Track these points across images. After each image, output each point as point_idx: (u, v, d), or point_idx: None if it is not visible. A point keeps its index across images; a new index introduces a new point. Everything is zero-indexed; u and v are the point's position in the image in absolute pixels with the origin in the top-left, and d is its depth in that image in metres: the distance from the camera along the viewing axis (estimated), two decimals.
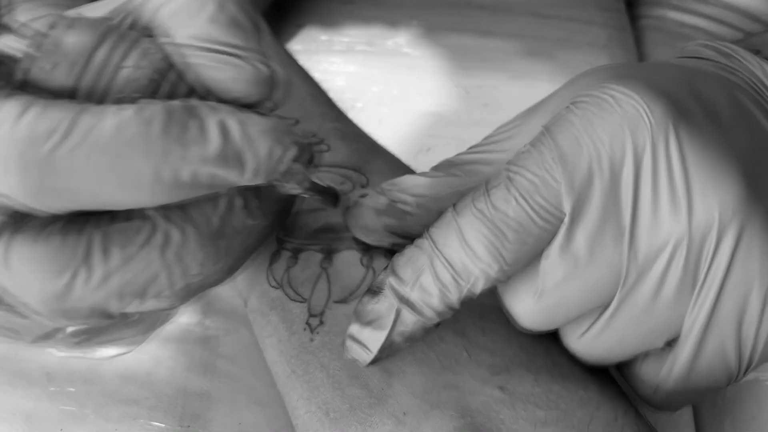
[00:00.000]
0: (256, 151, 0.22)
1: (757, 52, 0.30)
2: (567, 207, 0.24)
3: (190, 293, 0.25)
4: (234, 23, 0.23)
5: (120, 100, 0.22)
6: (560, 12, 0.53)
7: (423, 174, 0.29)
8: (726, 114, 0.25)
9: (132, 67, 0.22)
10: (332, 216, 0.32)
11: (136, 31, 0.23)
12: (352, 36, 0.54)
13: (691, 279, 0.24)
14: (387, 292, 0.26)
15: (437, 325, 0.27)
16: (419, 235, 0.28)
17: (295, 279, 0.31)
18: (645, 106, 0.24)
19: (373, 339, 0.26)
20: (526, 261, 0.25)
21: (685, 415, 0.34)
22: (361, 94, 0.49)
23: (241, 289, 0.34)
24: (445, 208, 0.27)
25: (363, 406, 0.27)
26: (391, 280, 0.26)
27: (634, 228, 0.24)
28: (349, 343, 0.27)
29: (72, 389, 0.33)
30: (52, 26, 0.22)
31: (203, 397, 0.34)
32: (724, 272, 0.23)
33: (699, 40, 0.31)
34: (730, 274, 0.23)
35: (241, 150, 0.22)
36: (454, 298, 0.25)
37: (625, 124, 0.23)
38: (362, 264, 0.31)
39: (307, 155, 0.24)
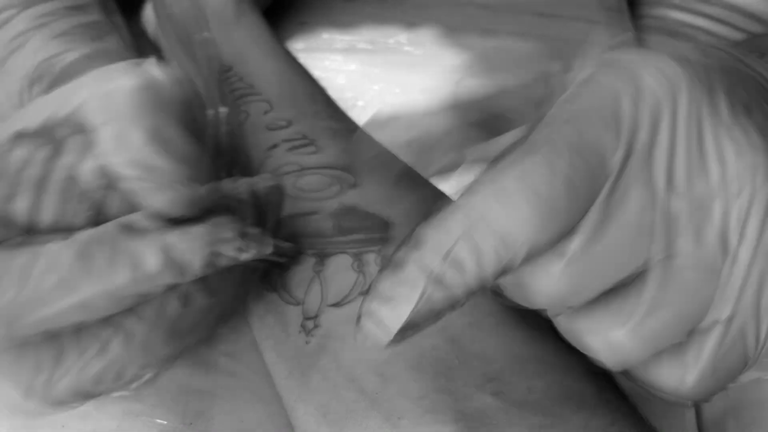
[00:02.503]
0: (193, 259, 0.24)
1: (762, 55, 0.30)
2: (616, 162, 0.21)
3: (168, 362, 0.27)
4: (165, 147, 0.24)
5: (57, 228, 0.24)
6: (564, 11, 0.53)
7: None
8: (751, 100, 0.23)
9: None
10: (323, 220, 0.32)
11: (79, 144, 0.25)
12: (353, 34, 0.54)
13: (722, 247, 0.21)
14: (411, 266, 0.22)
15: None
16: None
17: (289, 282, 0.31)
18: (682, 71, 0.22)
19: (394, 318, 0.22)
20: (570, 226, 0.21)
21: (688, 415, 0.34)
22: (362, 92, 0.49)
23: None
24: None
25: (359, 409, 0.27)
26: (416, 254, 0.22)
27: (669, 187, 0.22)
28: (364, 321, 0.23)
29: None
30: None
31: (205, 395, 0.34)
32: (755, 241, 0.21)
33: (700, 39, 0.31)
34: (761, 244, 0.21)
35: (180, 261, 0.24)
36: (490, 271, 0.21)
37: (665, 83, 0.22)
38: (354, 269, 0.31)
39: (255, 235, 0.26)
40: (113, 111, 0.24)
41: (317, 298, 0.31)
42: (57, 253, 0.23)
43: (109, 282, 0.23)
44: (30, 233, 0.24)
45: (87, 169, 0.25)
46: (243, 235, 0.25)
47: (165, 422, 0.33)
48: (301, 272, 0.31)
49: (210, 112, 0.32)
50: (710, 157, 0.21)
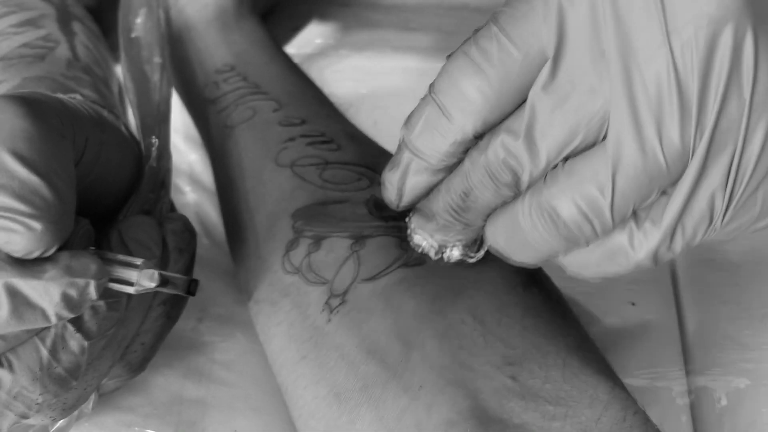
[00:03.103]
0: (50, 300, 0.23)
1: None
2: (550, 39, 0.22)
3: (63, 411, 0.26)
4: (3, 181, 0.22)
5: None
6: None
7: None
8: None
9: None
10: (357, 208, 0.32)
11: None
12: (347, 39, 0.54)
13: (683, 102, 0.21)
14: (401, 142, 0.26)
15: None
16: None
17: (317, 263, 0.31)
18: None
19: (391, 178, 0.27)
20: (513, 101, 0.24)
21: (684, 419, 0.34)
22: (356, 96, 0.49)
23: (247, 281, 0.34)
24: None
25: (378, 383, 0.27)
26: (403, 130, 0.26)
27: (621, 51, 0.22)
28: (382, 189, 0.28)
29: None
30: None
31: (199, 404, 0.34)
32: (723, 90, 0.21)
33: None
34: (730, 90, 0.21)
35: (35, 304, 0.23)
36: (449, 141, 0.24)
37: None
38: (399, 248, 0.31)
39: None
40: None
41: (349, 275, 0.30)
42: None
43: None
44: None
45: None
46: (101, 273, 0.24)
47: None
48: (333, 253, 0.31)
49: (146, 141, 0.32)
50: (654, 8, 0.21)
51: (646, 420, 0.26)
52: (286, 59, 0.44)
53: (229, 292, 0.38)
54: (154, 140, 0.31)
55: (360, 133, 0.39)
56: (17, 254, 0.23)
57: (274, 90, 0.40)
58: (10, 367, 0.24)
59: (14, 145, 0.22)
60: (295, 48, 0.53)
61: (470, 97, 0.24)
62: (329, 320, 0.30)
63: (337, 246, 0.31)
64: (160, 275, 0.26)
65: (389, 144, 0.38)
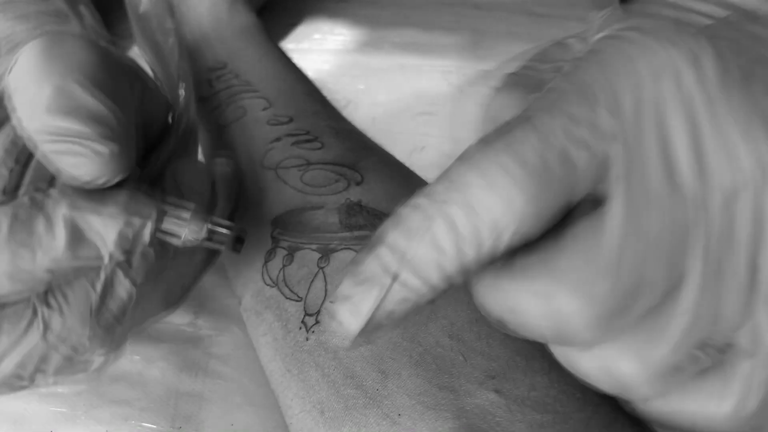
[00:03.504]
0: (107, 235, 0.23)
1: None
2: (617, 152, 0.18)
3: (107, 352, 0.26)
4: (72, 107, 0.22)
5: None
6: (555, 11, 0.53)
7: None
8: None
9: None
10: (329, 215, 0.32)
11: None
12: (345, 35, 0.54)
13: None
14: (369, 264, 0.19)
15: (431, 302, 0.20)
16: None
17: (290, 277, 0.31)
18: (689, 52, 0.19)
19: (351, 318, 0.20)
20: (558, 211, 0.18)
21: None
22: (354, 93, 0.49)
23: (235, 287, 0.34)
24: None
25: (358, 406, 0.27)
26: (392, 233, 0.19)
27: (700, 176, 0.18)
28: (328, 320, 0.24)
29: (62, 390, 0.33)
30: None
31: (195, 398, 0.34)
32: None
33: None
34: None
35: (90, 241, 0.23)
36: (471, 256, 0.18)
37: (677, 54, 0.19)
38: None
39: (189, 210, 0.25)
40: (24, 75, 0.23)
41: (320, 295, 0.30)
42: None
43: (7, 261, 0.22)
44: None
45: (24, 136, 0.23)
46: (162, 214, 0.24)
47: (154, 426, 0.32)
48: (305, 268, 0.31)
49: (173, 95, 0.32)
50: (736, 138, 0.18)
51: (637, 421, 0.26)
52: (279, 55, 0.44)
53: (226, 286, 0.38)
54: (182, 90, 0.31)
55: (348, 128, 0.39)
56: (82, 179, 0.23)
57: (265, 87, 0.40)
58: (60, 310, 0.24)
59: (82, 74, 0.23)
60: (293, 43, 0.53)
61: (513, 197, 0.18)
62: (307, 339, 0.30)
63: (307, 260, 0.31)
64: (209, 229, 0.26)
65: (387, 141, 0.38)
